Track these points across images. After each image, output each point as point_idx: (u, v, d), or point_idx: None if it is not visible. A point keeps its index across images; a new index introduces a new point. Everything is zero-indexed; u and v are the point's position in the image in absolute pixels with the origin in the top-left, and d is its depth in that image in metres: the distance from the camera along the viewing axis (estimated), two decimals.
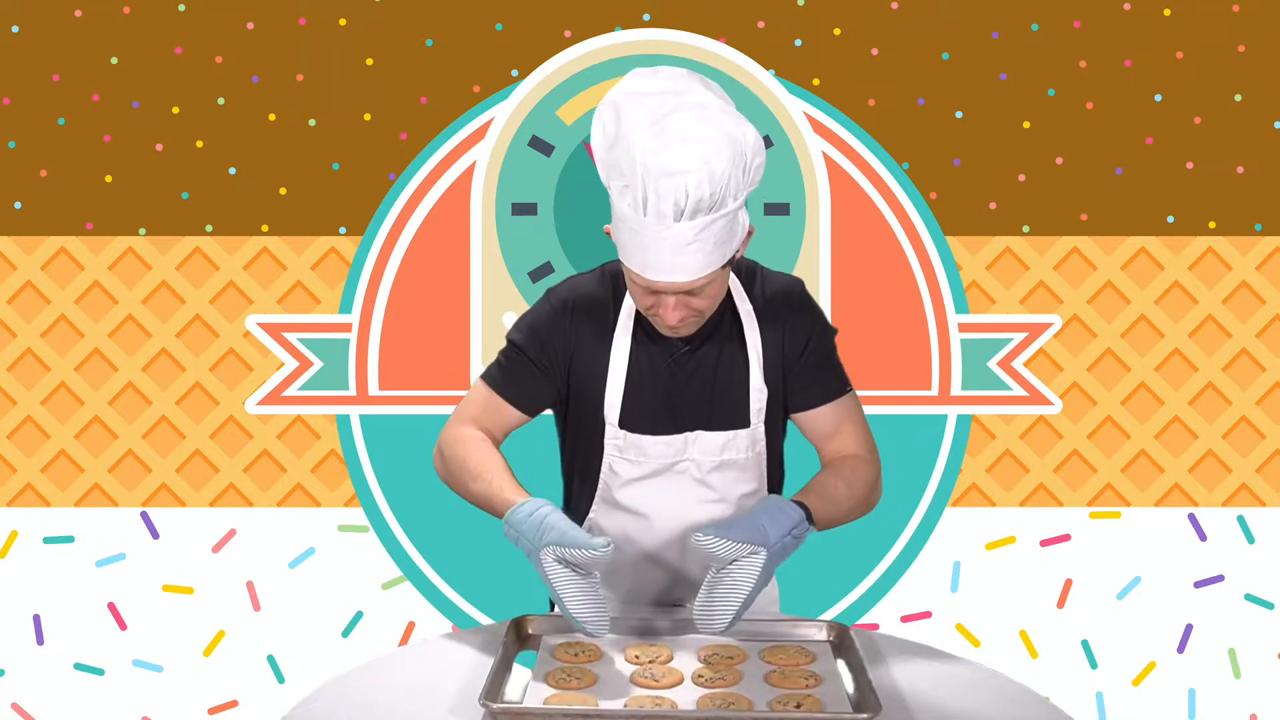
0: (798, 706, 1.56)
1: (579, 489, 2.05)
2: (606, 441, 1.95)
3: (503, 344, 2.01)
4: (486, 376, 1.98)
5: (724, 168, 1.71)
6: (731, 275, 1.94)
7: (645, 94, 1.78)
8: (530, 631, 1.85)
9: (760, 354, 1.95)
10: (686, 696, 1.62)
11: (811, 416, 2.00)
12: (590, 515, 2.02)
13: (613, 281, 1.96)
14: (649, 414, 1.94)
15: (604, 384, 1.93)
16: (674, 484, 1.97)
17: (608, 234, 1.86)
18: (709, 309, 1.86)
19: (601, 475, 1.98)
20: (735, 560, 1.71)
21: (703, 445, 1.95)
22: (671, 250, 1.73)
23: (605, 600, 1.74)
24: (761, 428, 1.97)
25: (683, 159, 1.70)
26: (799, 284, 2.01)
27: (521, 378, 1.96)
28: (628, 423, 1.94)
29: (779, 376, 1.97)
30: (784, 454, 2.08)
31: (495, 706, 1.54)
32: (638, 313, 1.92)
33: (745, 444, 1.96)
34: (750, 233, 1.84)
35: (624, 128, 1.75)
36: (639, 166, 1.71)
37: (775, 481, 2.06)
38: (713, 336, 1.94)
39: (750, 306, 1.96)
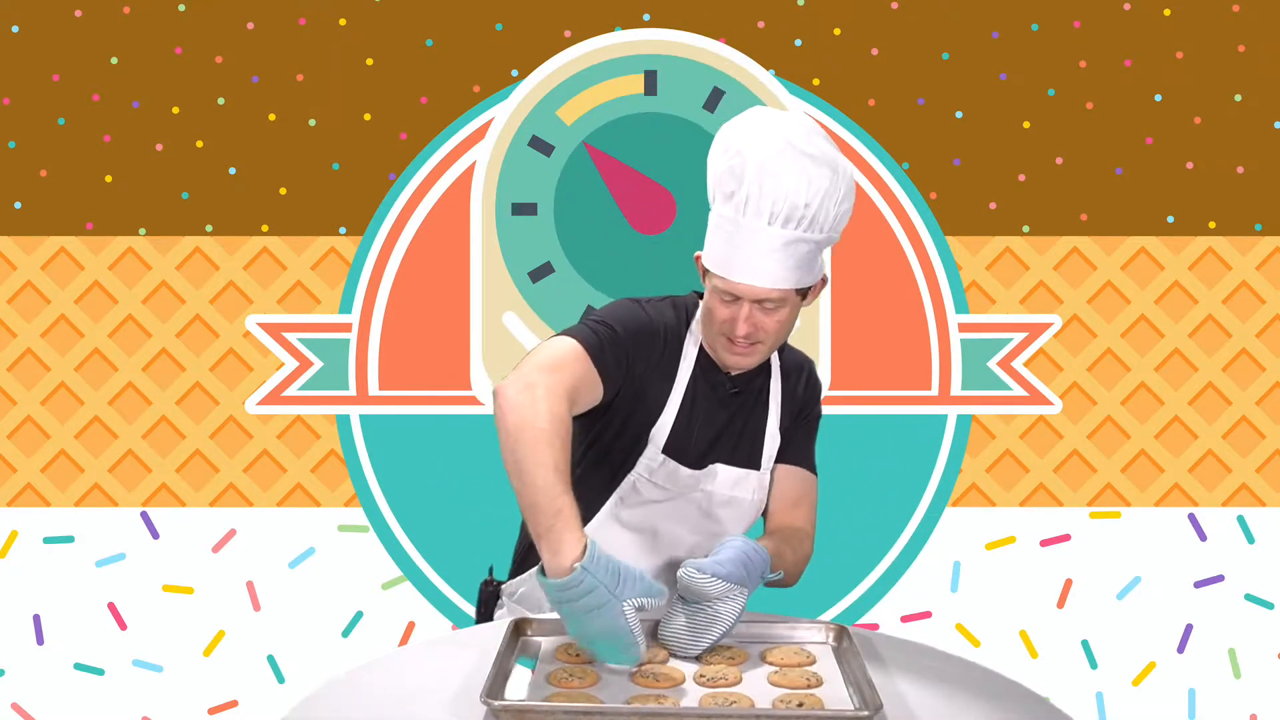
0: (799, 706, 1.57)
1: (580, 501, 2.05)
2: (641, 463, 2.01)
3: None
4: (587, 344, 1.89)
5: (824, 187, 1.87)
6: None
7: (768, 118, 1.93)
8: (529, 633, 1.85)
9: (780, 406, 2.10)
10: (688, 696, 1.62)
11: (786, 472, 2.12)
12: (586, 528, 2.03)
13: (685, 313, 2.06)
14: (690, 447, 2.03)
15: (659, 409, 2.01)
16: (683, 511, 2.05)
17: (696, 261, 1.98)
18: (774, 336, 1.97)
19: (618, 493, 2.03)
20: (720, 598, 1.77)
21: (719, 479, 2.05)
22: (761, 254, 1.88)
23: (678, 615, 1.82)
24: (768, 476, 2.09)
25: (792, 168, 1.86)
26: (811, 362, 2.20)
27: (615, 361, 1.93)
28: (670, 450, 2.02)
29: (787, 432, 2.12)
30: None
31: (496, 704, 1.54)
32: (700, 350, 2.03)
33: (754, 486, 2.07)
34: (825, 282, 2.01)
35: (747, 142, 1.88)
36: (753, 166, 1.86)
37: None
38: (750, 384, 2.08)
39: (779, 366, 2.12)
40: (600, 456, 2.03)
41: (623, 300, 2.03)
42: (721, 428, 2.05)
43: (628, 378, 1.96)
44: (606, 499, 2.03)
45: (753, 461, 2.08)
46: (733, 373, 2.04)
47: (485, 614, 2.20)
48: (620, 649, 1.67)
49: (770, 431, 2.09)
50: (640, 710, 1.54)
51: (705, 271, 1.96)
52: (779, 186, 1.85)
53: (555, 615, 1.87)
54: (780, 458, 2.12)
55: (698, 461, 2.03)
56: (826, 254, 2.14)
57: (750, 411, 2.08)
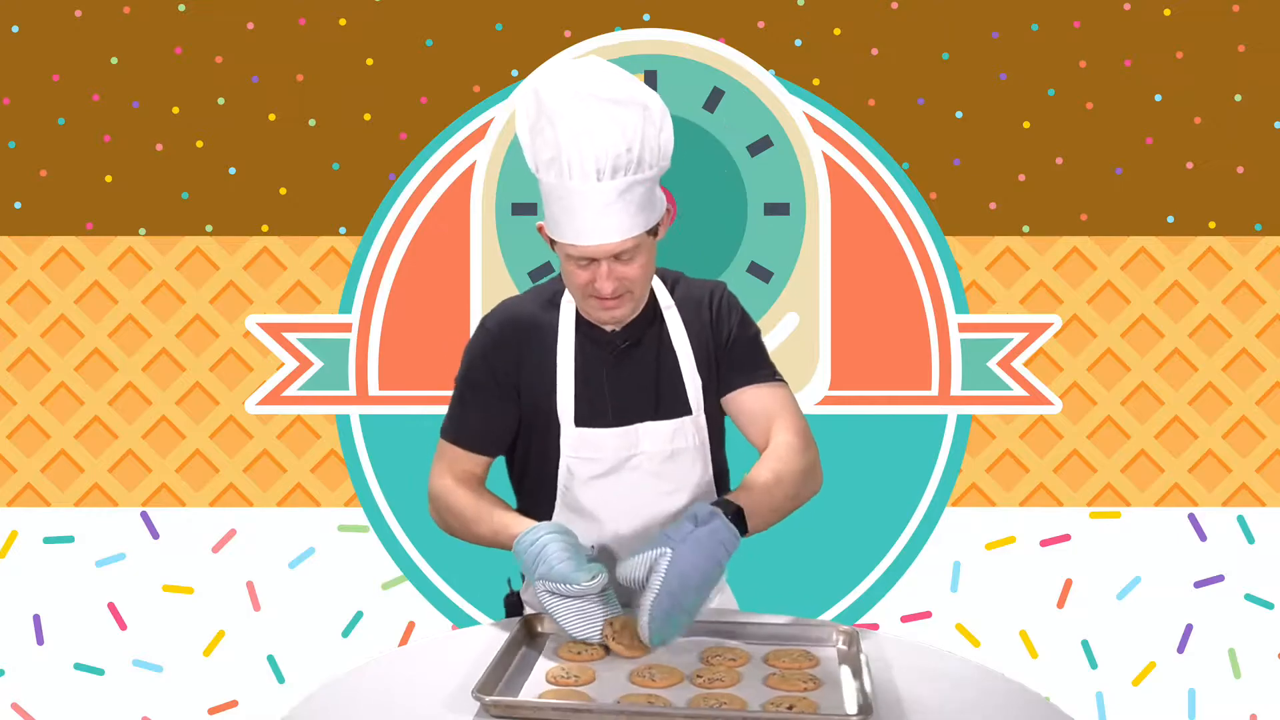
0: (790, 708, 1.56)
1: (535, 500, 2.09)
2: (562, 442, 2.02)
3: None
4: (444, 432, 2.10)
5: (639, 126, 1.87)
6: (656, 281, 2.08)
7: (561, 74, 1.90)
8: (540, 629, 1.86)
9: (689, 345, 2.06)
10: (681, 696, 1.62)
11: (739, 399, 2.07)
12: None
13: (548, 296, 2.08)
14: (598, 409, 2.02)
15: (554, 388, 2.02)
16: (630, 480, 2.03)
17: (540, 231, 1.98)
18: (640, 282, 1.96)
19: (560, 479, 2.04)
20: (652, 570, 1.74)
21: (652, 436, 2.03)
22: (598, 212, 1.88)
23: (597, 614, 1.80)
24: (703, 416, 2.06)
25: (603, 119, 1.85)
26: (721, 285, 2.14)
27: (478, 418, 2.06)
28: (581, 419, 2.02)
29: (709, 366, 2.07)
30: (726, 459, 2.14)
31: (487, 700, 1.55)
32: (576, 318, 2.04)
33: (691, 431, 2.04)
34: (672, 214, 2.00)
35: (546, 104, 1.87)
36: (562, 133, 1.85)
37: (721, 482, 2.12)
38: (645, 336, 2.05)
39: (674, 303, 2.08)
40: (537, 464, 2.07)
41: (472, 335, 2.10)
42: (631, 384, 2.03)
43: (511, 394, 2.04)
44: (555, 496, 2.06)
45: (680, 408, 2.04)
46: (615, 328, 2.02)
47: None
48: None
49: (687, 372, 2.05)
50: (627, 709, 1.54)
51: (552, 241, 1.95)
52: (595, 142, 1.85)
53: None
54: (730, 386, 2.07)
55: (618, 422, 2.01)
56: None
57: (656, 360, 2.04)
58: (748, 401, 2.07)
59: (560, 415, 2.01)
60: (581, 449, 2.02)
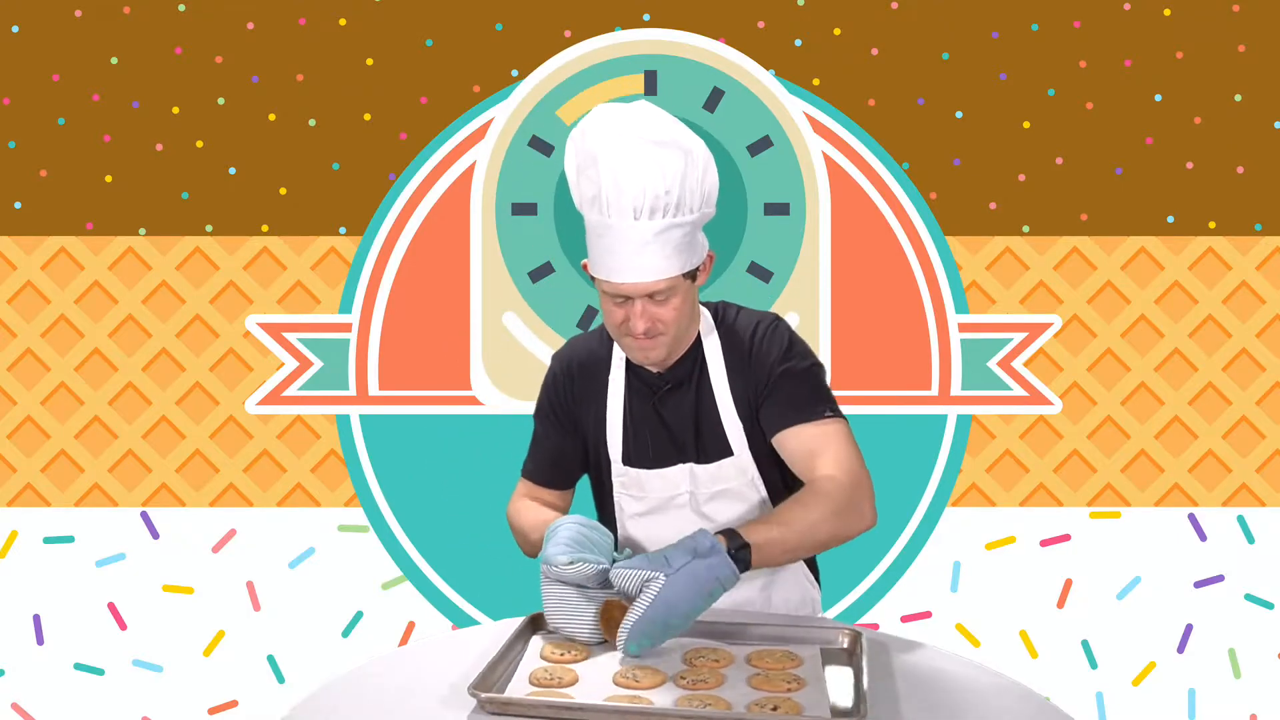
0: (774, 709, 1.56)
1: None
2: (614, 479, 2.10)
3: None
4: (525, 472, 2.20)
5: (679, 170, 1.90)
6: (706, 319, 2.08)
7: (609, 117, 1.95)
8: (544, 629, 1.87)
9: (728, 385, 2.05)
10: (664, 697, 1.62)
11: (783, 442, 2.01)
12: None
13: (608, 334, 2.09)
14: (644, 450, 2.07)
15: (605, 426, 2.09)
16: (675, 517, 2.07)
17: (585, 270, 2.01)
18: (675, 325, 1.97)
19: (616, 513, 2.13)
20: (644, 589, 1.74)
21: (696, 478, 2.06)
22: (634, 250, 1.91)
23: (581, 607, 1.82)
24: (747, 455, 2.05)
25: (643, 160, 1.89)
26: (771, 316, 2.10)
27: (543, 452, 2.17)
28: (629, 459, 2.08)
29: (749, 405, 2.04)
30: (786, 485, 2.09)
31: (483, 696, 1.56)
32: (628, 360, 2.08)
33: (734, 472, 2.06)
34: (711, 259, 2.02)
35: (591, 144, 1.93)
36: (605, 171, 1.90)
37: None
38: (689, 379, 2.07)
39: (717, 342, 2.07)
40: (600, 497, 2.17)
41: (548, 370, 2.18)
42: (674, 425, 2.06)
43: (575, 429, 2.12)
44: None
45: (722, 450, 2.05)
46: (657, 370, 2.06)
47: None
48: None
49: (726, 415, 2.04)
50: (616, 707, 1.54)
51: (594, 278, 1.99)
52: (634, 181, 1.88)
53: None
54: (773, 427, 2.01)
55: (659, 463, 2.06)
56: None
57: (696, 402, 2.06)
58: (789, 442, 2.00)
59: (610, 452, 2.09)
60: (629, 487, 2.09)
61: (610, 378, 2.09)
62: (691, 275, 1.97)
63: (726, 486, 2.05)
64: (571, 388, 2.11)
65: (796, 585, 2.13)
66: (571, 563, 1.79)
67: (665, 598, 1.70)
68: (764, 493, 2.06)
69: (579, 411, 2.11)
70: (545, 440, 2.16)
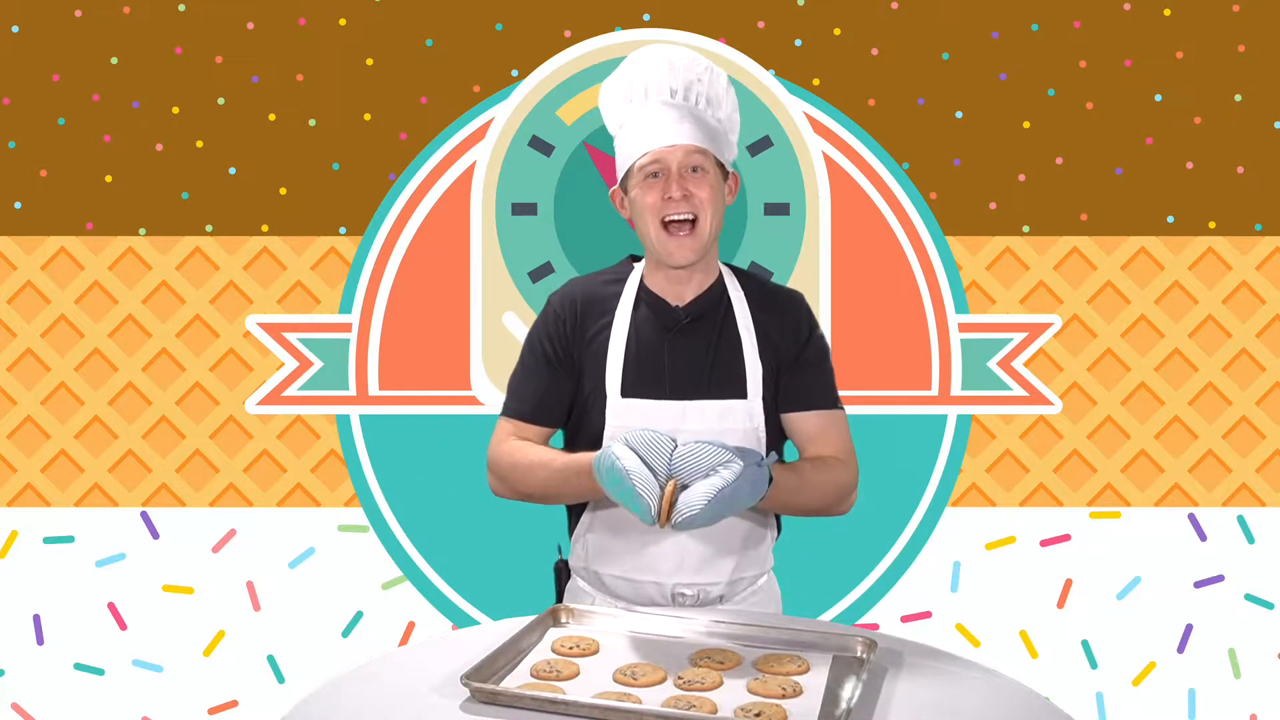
0: (758, 715, 1.55)
1: None
2: (608, 413, 2.03)
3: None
4: (503, 408, 2.13)
5: (708, 66, 2.06)
6: (726, 270, 2.11)
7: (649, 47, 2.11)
8: (563, 621, 1.87)
9: (753, 333, 2.06)
10: (654, 696, 1.61)
11: (798, 419, 2.08)
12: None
13: (613, 275, 2.12)
14: (647, 380, 2.03)
15: (605, 357, 2.04)
16: None
17: (612, 200, 2.08)
18: (708, 210, 2.00)
19: None
20: (714, 472, 1.74)
21: (701, 414, 2.01)
22: (669, 122, 1.99)
23: (651, 482, 1.76)
24: (758, 403, 2.04)
25: (675, 52, 2.06)
26: (802, 295, 2.16)
27: (533, 389, 2.10)
28: (628, 390, 2.03)
29: (773, 360, 2.06)
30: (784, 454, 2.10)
31: (473, 685, 1.57)
32: (639, 290, 2.07)
33: (743, 416, 2.03)
34: (737, 181, 2.09)
35: (631, 59, 2.07)
36: (641, 65, 2.04)
37: None
38: (708, 314, 2.06)
39: (743, 295, 2.09)
40: (582, 430, 2.09)
41: (534, 321, 2.15)
42: (688, 360, 2.03)
43: (562, 368, 2.07)
44: None
45: (735, 390, 2.03)
46: (684, 267, 2.02)
47: (559, 592, 2.21)
48: (621, 493, 1.76)
49: (749, 358, 2.04)
50: (598, 704, 1.54)
51: (623, 195, 2.05)
52: (668, 65, 2.03)
53: (592, 606, 1.94)
54: (789, 405, 2.06)
55: (667, 396, 2.01)
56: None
57: (718, 338, 2.05)
58: (805, 422, 2.07)
59: (608, 385, 2.03)
60: (627, 418, 2.01)
61: (618, 310, 2.06)
62: (723, 171, 2.03)
63: (733, 427, 2.01)
64: (574, 322, 2.07)
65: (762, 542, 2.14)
66: (665, 435, 1.77)
67: (733, 489, 1.73)
68: (764, 443, 2.06)
69: (578, 347, 2.07)
70: (536, 378, 2.09)
